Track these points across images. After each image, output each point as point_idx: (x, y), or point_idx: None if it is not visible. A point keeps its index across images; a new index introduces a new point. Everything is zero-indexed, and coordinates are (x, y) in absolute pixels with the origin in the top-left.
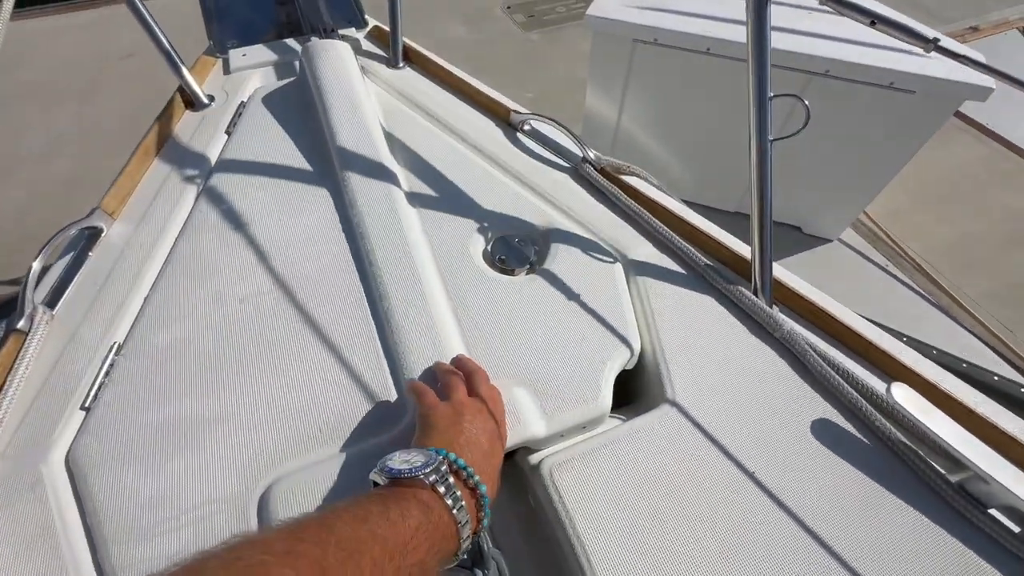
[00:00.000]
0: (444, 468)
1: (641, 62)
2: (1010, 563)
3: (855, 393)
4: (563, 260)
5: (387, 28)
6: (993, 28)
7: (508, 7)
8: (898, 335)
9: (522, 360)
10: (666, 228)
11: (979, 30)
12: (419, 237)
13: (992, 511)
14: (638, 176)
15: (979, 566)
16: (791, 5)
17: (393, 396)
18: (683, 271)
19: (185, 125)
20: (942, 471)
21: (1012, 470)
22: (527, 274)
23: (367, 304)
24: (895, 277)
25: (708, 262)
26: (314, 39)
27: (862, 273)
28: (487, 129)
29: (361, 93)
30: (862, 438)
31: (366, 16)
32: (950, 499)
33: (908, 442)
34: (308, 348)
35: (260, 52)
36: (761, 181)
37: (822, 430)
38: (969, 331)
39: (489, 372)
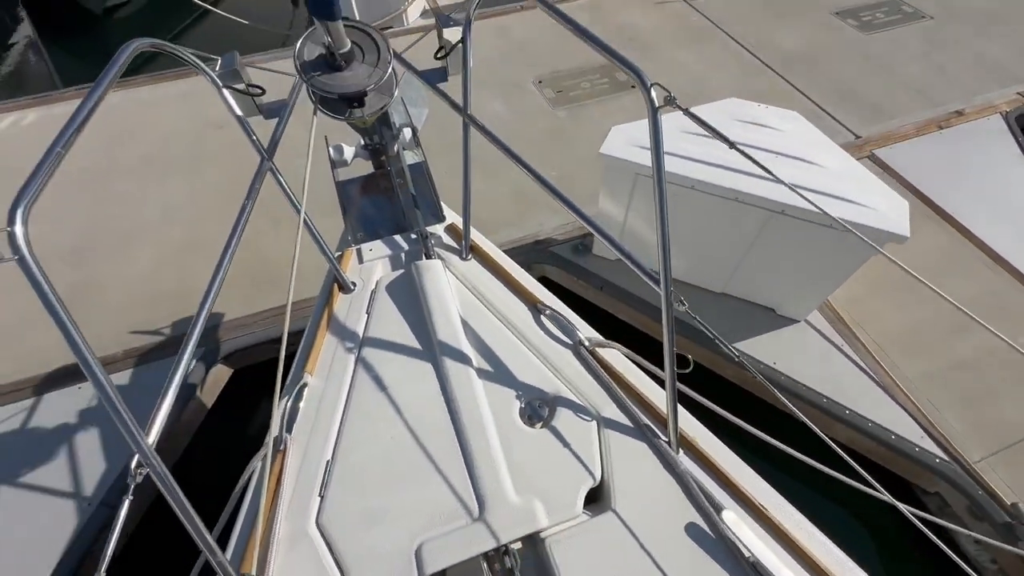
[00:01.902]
0: None
1: (642, 188)
2: None
3: (713, 511)
4: (563, 418)
5: (459, 225)
6: (977, 112)
7: (539, 81)
8: (841, 408)
9: (537, 480)
10: (624, 396)
11: (963, 114)
12: (484, 403)
13: None
14: (615, 348)
15: None
16: (762, 149)
17: (473, 497)
18: (631, 424)
19: (341, 306)
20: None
21: (792, 566)
22: (541, 428)
23: (459, 449)
24: (848, 357)
25: (646, 421)
26: (420, 261)
27: (822, 352)
28: (523, 315)
29: (450, 300)
30: (711, 535)
31: (444, 212)
32: (748, 573)
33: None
34: (431, 470)
35: (380, 247)
36: (671, 372)
37: (693, 532)
38: (903, 408)
39: (518, 490)
